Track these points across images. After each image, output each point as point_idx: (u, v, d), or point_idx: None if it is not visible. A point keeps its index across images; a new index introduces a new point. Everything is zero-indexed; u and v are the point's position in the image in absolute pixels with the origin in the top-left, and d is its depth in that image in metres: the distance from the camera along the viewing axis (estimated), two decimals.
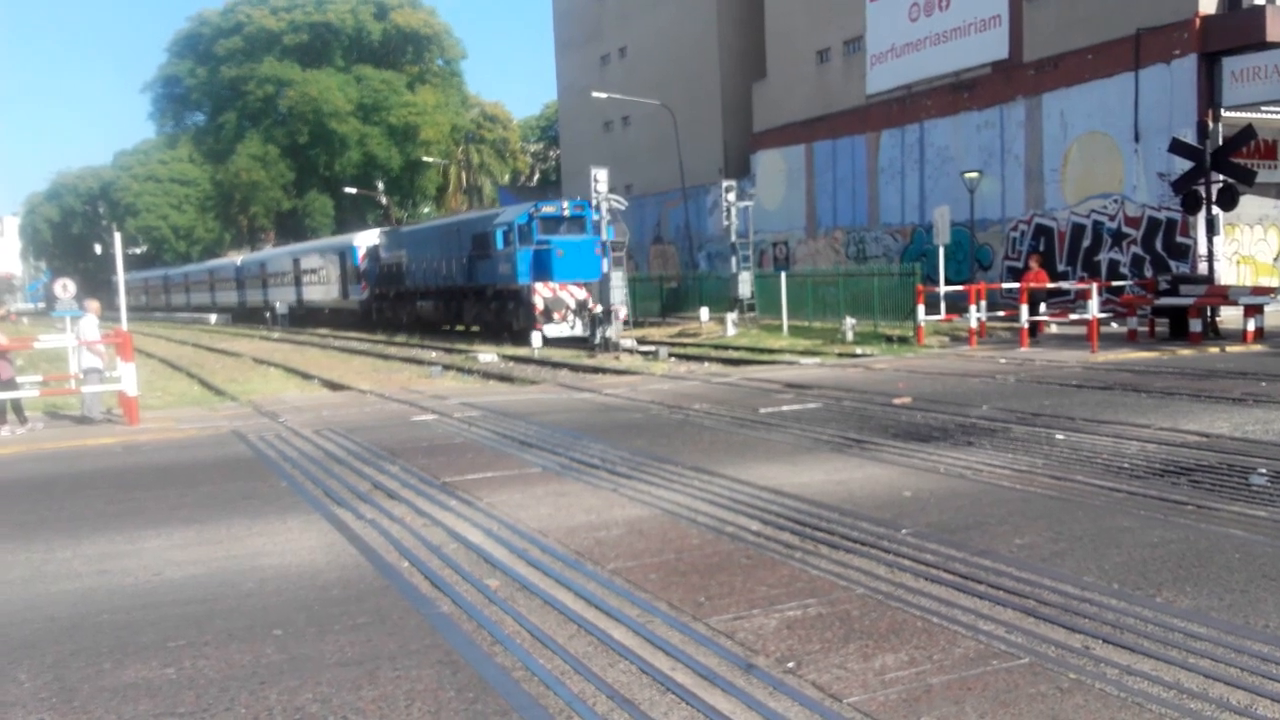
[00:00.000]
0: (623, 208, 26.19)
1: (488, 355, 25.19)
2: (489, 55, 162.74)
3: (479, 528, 7.05)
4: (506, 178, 77.60)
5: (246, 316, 58.76)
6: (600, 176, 23.51)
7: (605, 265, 25.91)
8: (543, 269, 28.22)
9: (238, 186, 73.87)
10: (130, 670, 4.68)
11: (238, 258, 64.74)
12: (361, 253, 42.54)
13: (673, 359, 22.50)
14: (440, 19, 77.22)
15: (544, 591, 5.58)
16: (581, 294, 27.77)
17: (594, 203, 24.50)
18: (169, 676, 4.58)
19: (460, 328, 35.20)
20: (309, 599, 5.63)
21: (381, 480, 8.90)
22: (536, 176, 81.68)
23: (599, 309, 26.10)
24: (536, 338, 27.08)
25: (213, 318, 64.02)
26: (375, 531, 7.09)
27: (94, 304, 15.29)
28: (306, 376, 22.47)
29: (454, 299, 34.10)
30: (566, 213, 28.90)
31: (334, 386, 19.79)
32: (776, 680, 4.26)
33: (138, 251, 79.24)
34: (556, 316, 27.87)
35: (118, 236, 17.72)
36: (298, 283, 51.57)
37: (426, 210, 74.06)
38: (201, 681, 4.51)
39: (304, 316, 51.03)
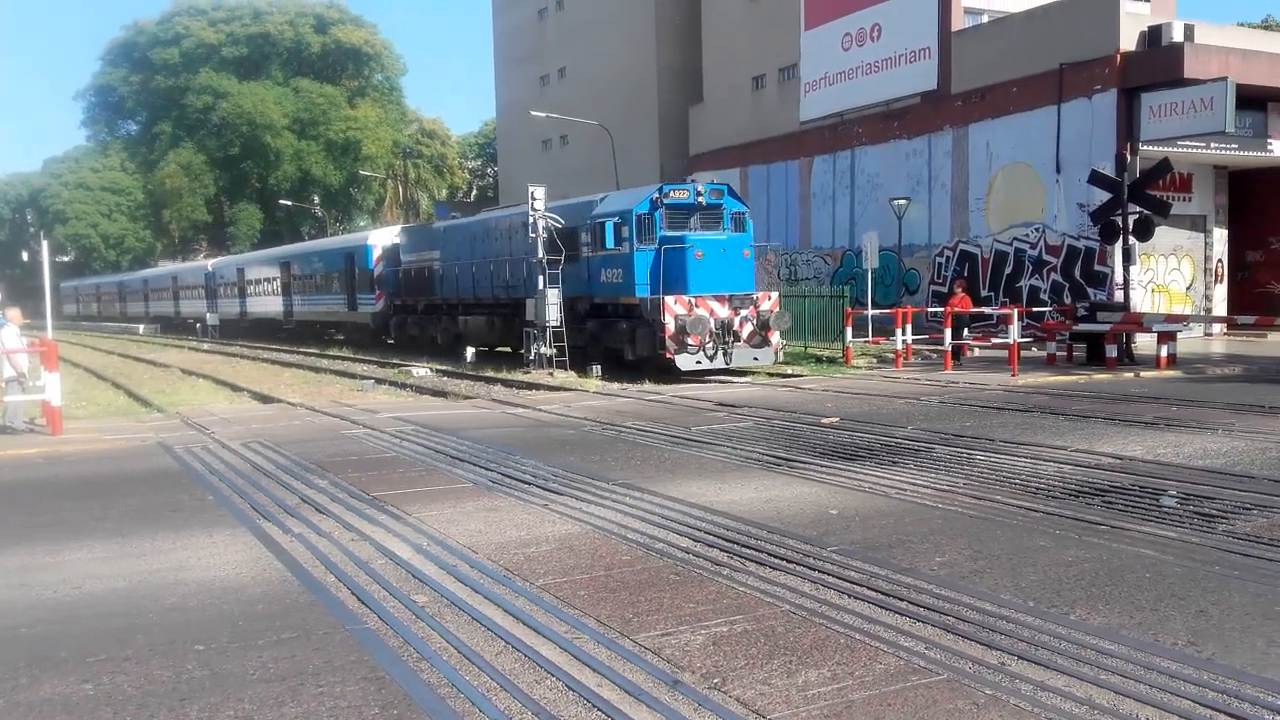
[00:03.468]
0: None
1: (421, 369, 25.00)
2: (429, 71, 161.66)
3: (408, 543, 7.01)
4: (444, 193, 77.22)
5: (223, 330, 49.88)
6: (538, 194, 23.32)
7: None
8: (674, 277, 20.74)
9: (163, 194, 72.35)
10: (47, 685, 4.59)
11: (209, 262, 58.90)
12: (376, 254, 35.06)
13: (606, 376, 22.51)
14: (381, 37, 76.52)
15: (472, 607, 5.57)
16: (724, 311, 20.60)
17: (532, 220, 23.41)
18: (87, 692, 4.50)
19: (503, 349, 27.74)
20: (233, 614, 5.56)
21: (310, 494, 8.80)
22: (474, 193, 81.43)
23: (747, 329, 20.93)
24: (469, 352, 26.56)
25: (140, 328, 61.22)
26: (302, 546, 7.01)
27: (14, 312, 14.98)
28: (236, 389, 22.09)
29: (519, 314, 24.82)
30: (702, 199, 21.57)
31: (264, 399, 19.49)
32: (701, 696, 4.32)
33: (66, 259, 77.13)
34: (691, 342, 20.29)
35: (45, 244, 17.38)
36: (286, 291, 43.52)
37: (363, 224, 73.18)
38: (120, 698, 4.43)
39: (294, 332, 43.10)
